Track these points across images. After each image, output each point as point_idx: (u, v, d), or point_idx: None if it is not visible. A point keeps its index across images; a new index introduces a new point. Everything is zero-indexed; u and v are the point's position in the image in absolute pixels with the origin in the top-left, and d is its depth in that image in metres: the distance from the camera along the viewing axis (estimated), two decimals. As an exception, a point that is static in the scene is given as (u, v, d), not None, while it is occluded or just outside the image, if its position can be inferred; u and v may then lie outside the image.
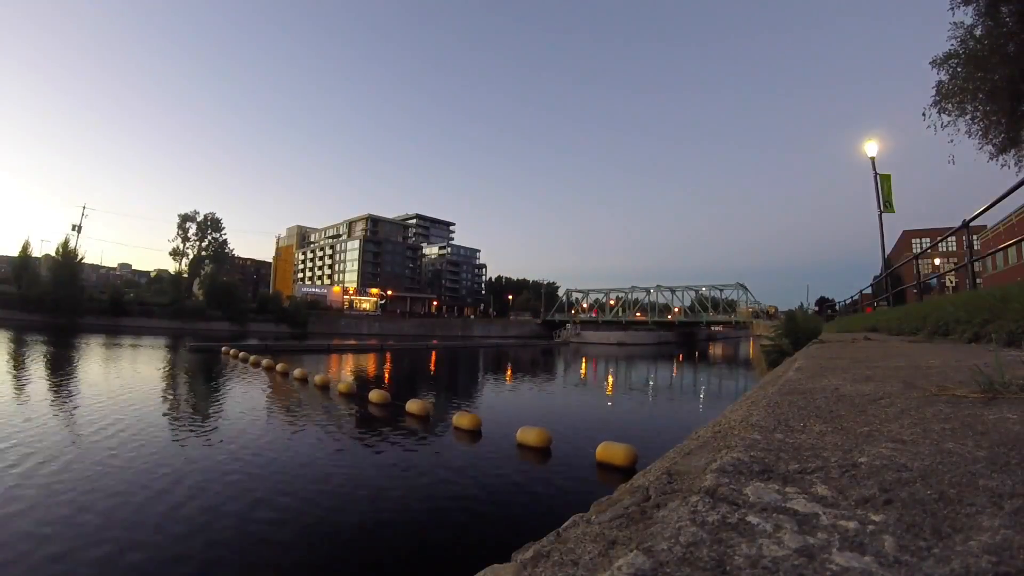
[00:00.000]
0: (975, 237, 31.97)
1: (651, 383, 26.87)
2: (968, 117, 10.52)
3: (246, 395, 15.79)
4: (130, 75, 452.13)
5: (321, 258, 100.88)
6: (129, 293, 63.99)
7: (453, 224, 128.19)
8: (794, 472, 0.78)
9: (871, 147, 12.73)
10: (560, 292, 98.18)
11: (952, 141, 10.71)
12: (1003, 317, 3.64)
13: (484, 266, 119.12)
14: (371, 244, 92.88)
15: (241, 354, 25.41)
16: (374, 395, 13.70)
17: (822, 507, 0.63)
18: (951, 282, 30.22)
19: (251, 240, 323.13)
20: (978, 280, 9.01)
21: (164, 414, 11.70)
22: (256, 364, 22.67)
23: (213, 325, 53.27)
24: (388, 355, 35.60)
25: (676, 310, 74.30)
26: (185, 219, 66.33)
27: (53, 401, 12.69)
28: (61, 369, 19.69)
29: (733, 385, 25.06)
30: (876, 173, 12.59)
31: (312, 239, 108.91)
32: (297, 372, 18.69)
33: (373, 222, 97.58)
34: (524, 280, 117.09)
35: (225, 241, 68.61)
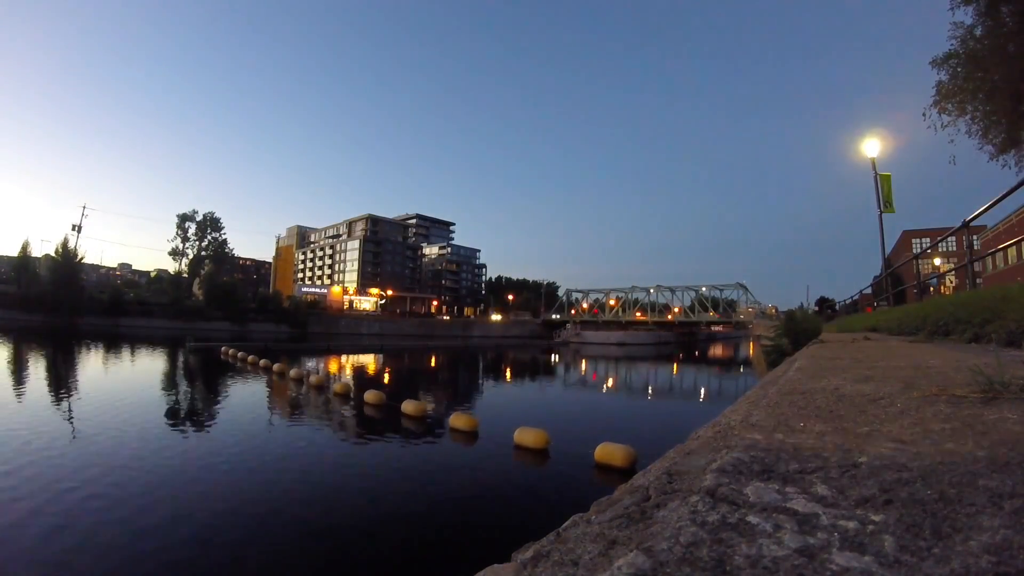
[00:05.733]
0: (975, 237, 31.96)
1: (651, 383, 26.87)
2: (968, 117, 10.49)
3: (244, 396, 15.80)
4: (130, 75, 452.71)
5: (321, 258, 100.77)
6: (129, 293, 63.89)
7: (453, 224, 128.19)
8: (794, 472, 0.78)
9: (871, 147, 12.72)
10: (560, 292, 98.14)
11: (952, 141, 10.68)
12: (1003, 317, 3.64)
13: (484, 266, 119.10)
14: (371, 244, 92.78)
15: (240, 354, 25.40)
16: (369, 396, 13.67)
17: (822, 507, 0.63)
18: (951, 282, 30.21)
19: (251, 240, 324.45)
20: (978, 280, 9.02)
21: (163, 414, 11.71)
22: (255, 364, 22.67)
23: (213, 325, 53.18)
24: (387, 355, 35.59)
25: (676, 310, 74.22)
26: (184, 219, 66.22)
27: (55, 401, 12.69)
28: (62, 369, 19.69)
29: (733, 385, 25.07)
30: (876, 173, 12.58)
31: (312, 239, 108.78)
32: (294, 372, 18.69)
33: (373, 222, 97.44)
34: (524, 280, 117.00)
35: (225, 241, 68.59)
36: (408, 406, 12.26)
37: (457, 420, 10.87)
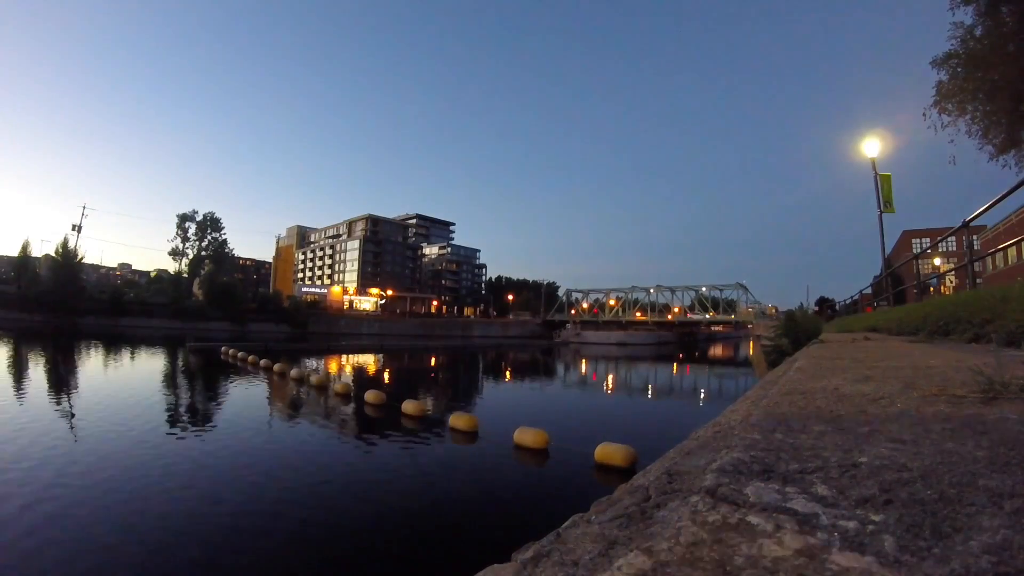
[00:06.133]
0: (975, 237, 31.94)
1: (651, 383, 26.87)
2: (968, 117, 10.49)
3: (244, 396, 15.79)
4: (130, 75, 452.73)
5: (321, 258, 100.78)
6: (129, 293, 63.86)
7: (453, 224, 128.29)
8: (794, 472, 0.78)
9: (871, 147, 12.72)
10: (560, 292, 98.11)
11: (952, 141, 10.69)
12: (1003, 317, 3.64)
13: (484, 266, 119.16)
14: (371, 244, 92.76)
15: (240, 354, 25.40)
16: (370, 395, 13.66)
17: (822, 507, 0.63)
18: (951, 281, 30.21)
19: (251, 240, 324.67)
20: (978, 280, 9.03)
21: (163, 415, 11.69)
22: (255, 364, 22.67)
23: (213, 325, 53.18)
24: (387, 355, 35.58)
25: (676, 310, 74.20)
26: (184, 219, 66.15)
27: (56, 401, 12.69)
28: (63, 369, 19.69)
29: (733, 385, 25.06)
30: (876, 173, 12.58)
31: (312, 239, 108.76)
32: (294, 372, 18.67)
33: (373, 222, 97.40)
34: (524, 280, 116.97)
35: (225, 241, 68.51)
36: (408, 406, 12.25)
37: (457, 420, 10.86)
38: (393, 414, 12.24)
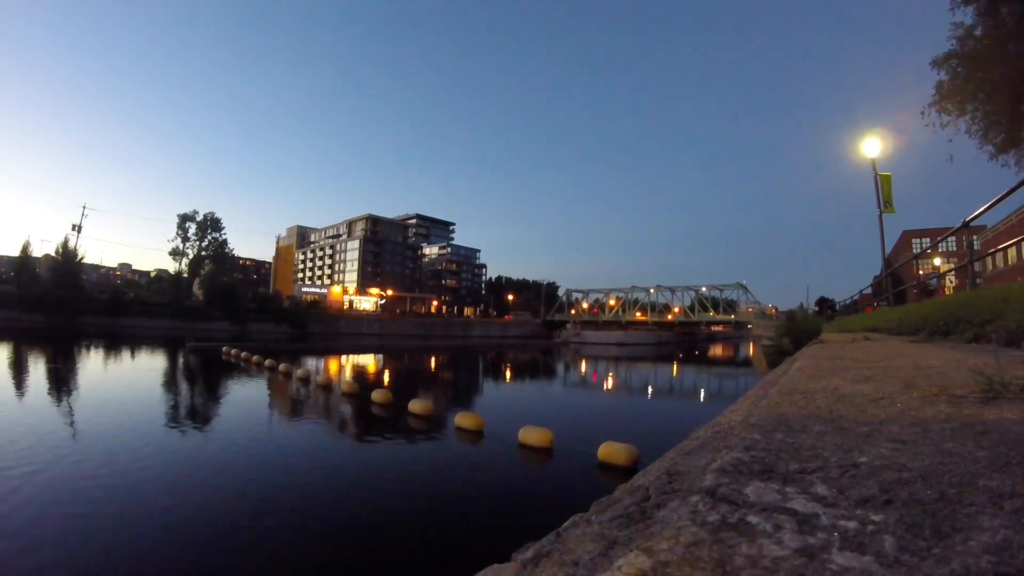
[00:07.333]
0: (975, 237, 31.88)
1: (651, 383, 26.86)
2: (968, 117, 10.49)
3: (248, 395, 15.81)
4: (130, 75, 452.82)
5: (321, 258, 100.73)
6: (129, 293, 63.80)
7: (453, 224, 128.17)
8: (794, 472, 0.78)
9: (871, 147, 12.70)
10: (560, 292, 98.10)
11: (952, 141, 10.68)
12: (1003, 317, 3.64)
13: (484, 266, 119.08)
14: (371, 244, 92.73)
15: (243, 354, 25.41)
16: (377, 395, 13.68)
17: (822, 507, 0.63)
18: (951, 281, 30.15)
19: (251, 240, 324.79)
20: (978, 280, 9.03)
21: (165, 415, 11.70)
22: (257, 364, 22.67)
23: (213, 325, 53.17)
24: (387, 355, 35.59)
25: (676, 310, 74.20)
26: (185, 219, 66.10)
27: (57, 401, 12.70)
28: (64, 369, 19.68)
29: (733, 385, 25.05)
30: (876, 173, 12.57)
31: (312, 239, 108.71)
32: (300, 372, 18.68)
33: (373, 222, 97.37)
34: (524, 280, 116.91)
35: (225, 241, 68.43)
36: (415, 405, 12.26)
37: (463, 419, 10.86)
38: (400, 413, 12.25)
